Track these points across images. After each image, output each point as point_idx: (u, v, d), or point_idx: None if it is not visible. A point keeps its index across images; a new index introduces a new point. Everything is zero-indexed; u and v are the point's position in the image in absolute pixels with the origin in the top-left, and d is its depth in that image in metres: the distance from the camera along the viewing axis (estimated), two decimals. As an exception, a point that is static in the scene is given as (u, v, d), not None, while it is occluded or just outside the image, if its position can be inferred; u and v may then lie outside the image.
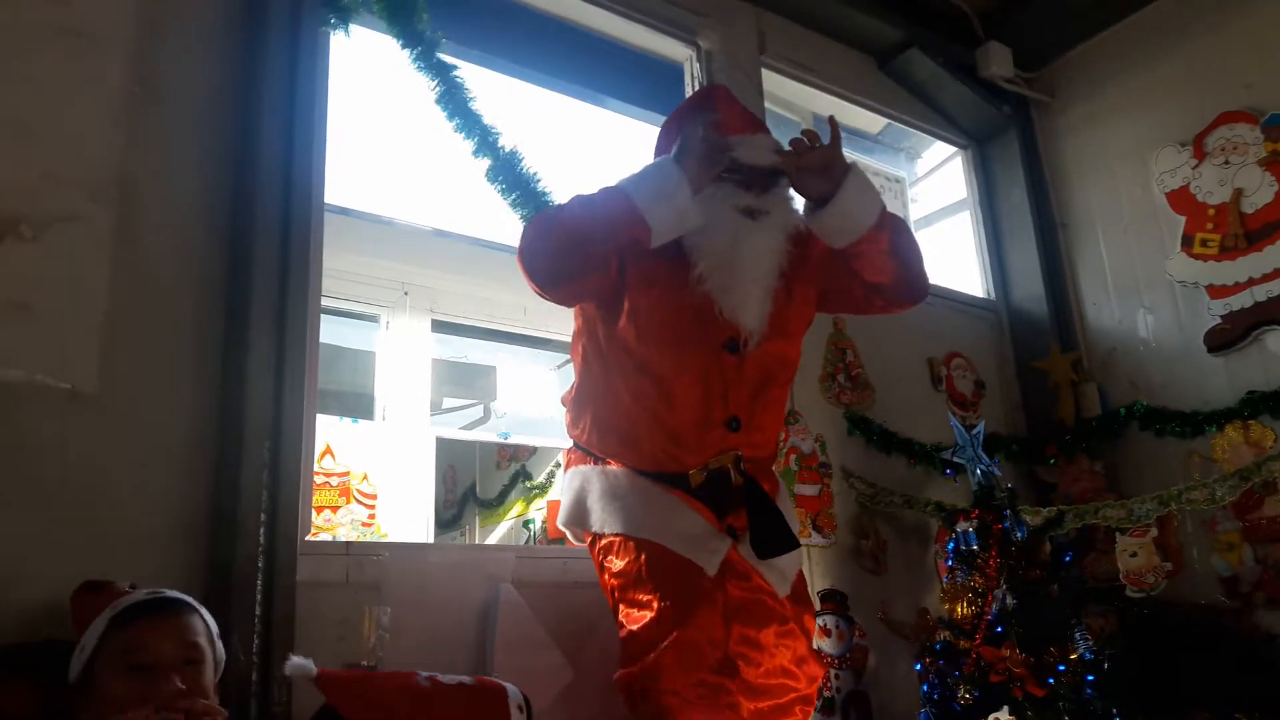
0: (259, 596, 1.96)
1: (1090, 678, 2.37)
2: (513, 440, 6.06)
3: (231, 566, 1.95)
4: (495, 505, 6.63)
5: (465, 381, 6.28)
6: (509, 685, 1.73)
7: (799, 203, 2.14)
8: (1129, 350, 4.02)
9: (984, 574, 2.50)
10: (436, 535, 5.45)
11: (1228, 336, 3.69)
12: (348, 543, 2.30)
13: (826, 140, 2.07)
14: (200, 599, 1.94)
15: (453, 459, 6.44)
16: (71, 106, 2.09)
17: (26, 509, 1.86)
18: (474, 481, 6.71)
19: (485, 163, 2.75)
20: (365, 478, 4.97)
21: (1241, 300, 3.66)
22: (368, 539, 4.74)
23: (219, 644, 1.54)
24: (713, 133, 2.01)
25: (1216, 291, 3.74)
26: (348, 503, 4.90)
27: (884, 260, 2.13)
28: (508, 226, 3.38)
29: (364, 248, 4.32)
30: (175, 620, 1.45)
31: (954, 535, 2.62)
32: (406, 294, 5.05)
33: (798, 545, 2.11)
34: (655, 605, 1.95)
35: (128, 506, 1.96)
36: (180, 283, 2.18)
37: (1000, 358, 4.21)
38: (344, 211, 3.25)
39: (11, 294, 1.94)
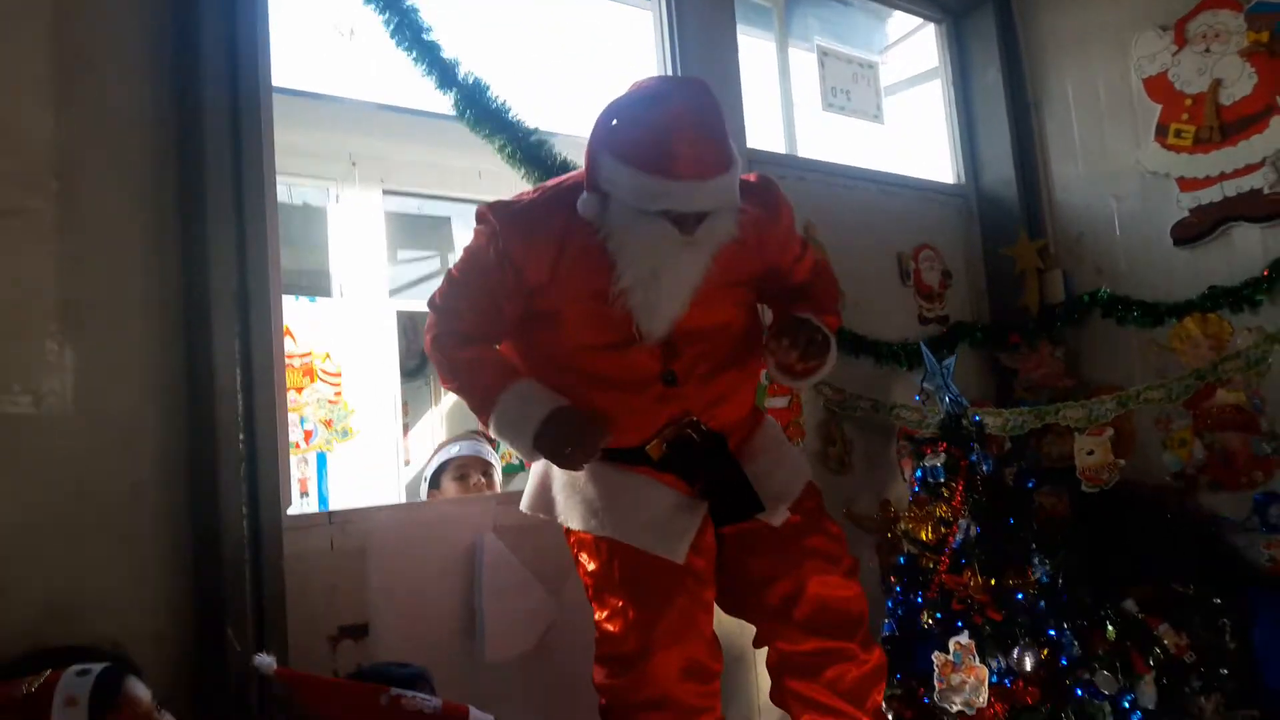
0: (249, 587, 1.99)
1: (1042, 604, 2.52)
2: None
3: (220, 560, 1.97)
4: (457, 359, 6.67)
5: (420, 234, 6.21)
6: (475, 717, 1.77)
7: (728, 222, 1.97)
8: (1096, 237, 4.04)
9: (950, 505, 2.61)
10: (402, 385, 5.50)
11: (1194, 230, 3.71)
12: (329, 512, 2.33)
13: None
14: (192, 598, 1.99)
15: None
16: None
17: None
18: (435, 334, 6.73)
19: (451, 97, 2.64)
20: (328, 356, 4.97)
21: (1211, 195, 3.66)
22: (335, 418, 4.81)
23: None
24: (581, 455, 1.99)
25: (1187, 184, 3.72)
26: (312, 382, 4.91)
27: None
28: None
29: (307, 121, 4.17)
30: (130, 698, 1.52)
31: (921, 466, 2.70)
32: (355, 165, 4.91)
33: (760, 508, 2.07)
34: (629, 614, 1.98)
35: (111, 509, 1.95)
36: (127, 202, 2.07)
37: (968, 245, 4.21)
38: (289, 92, 3.11)
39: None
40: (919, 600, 2.60)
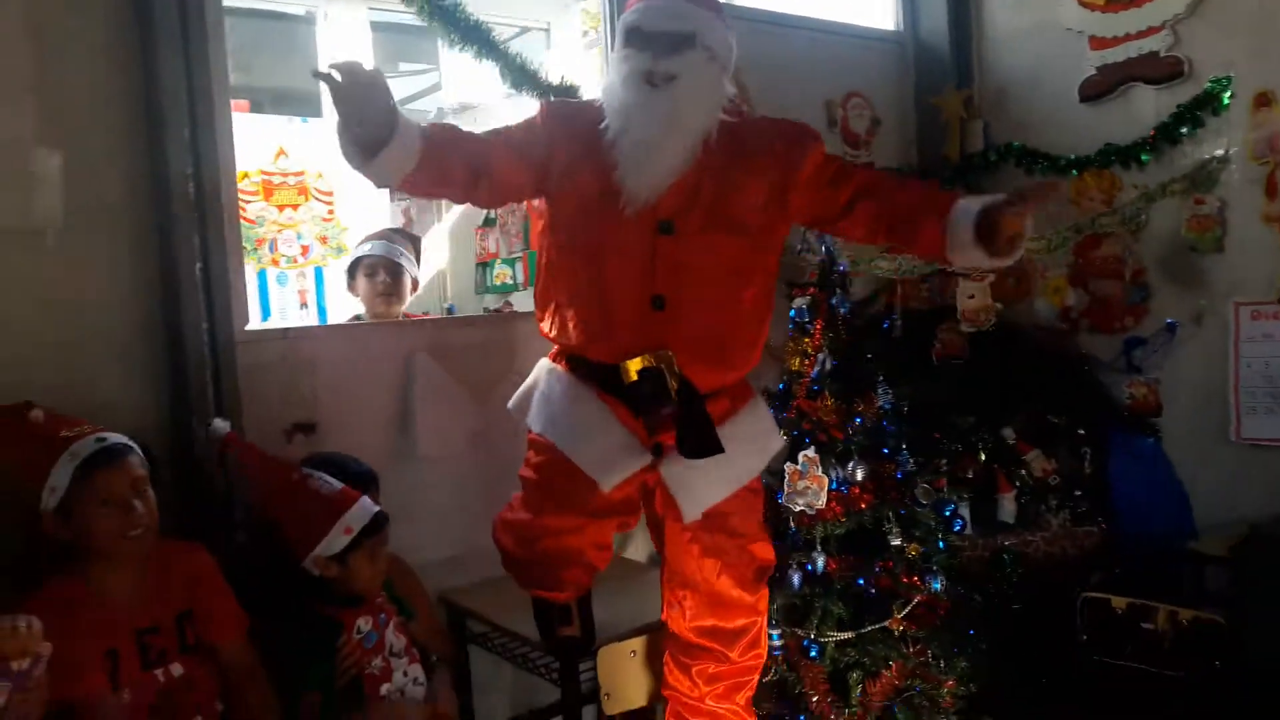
0: (210, 390, 2.48)
1: (886, 424, 3.00)
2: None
3: (185, 368, 2.45)
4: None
5: (411, 45, 6.43)
6: (358, 506, 2.12)
7: (721, 73, 2.15)
8: (1017, 90, 4.28)
9: (811, 340, 3.05)
10: (409, 200, 5.83)
11: (1099, 88, 3.96)
12: (284, 329, 2.79)
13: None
14: (169, 398, 2.51)
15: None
16: None
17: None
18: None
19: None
20: (320, 175, 5.33)
21: (1115, 55, 3.88)
22: (330, 235, 5.24)
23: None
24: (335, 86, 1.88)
25: (1097, 43, 3.94)
26: (306, 200, 5.29)
27: None
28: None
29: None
30: (124, 465, 1.95)
31: (794, 306, 3.13)
32: (339, -17, 5.11)
33: (719, 450, 2.14)
34: (544, 513, 2.29)
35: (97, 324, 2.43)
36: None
37: (900, 92, 4.44)
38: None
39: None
40: (782, 416, 3.09)
